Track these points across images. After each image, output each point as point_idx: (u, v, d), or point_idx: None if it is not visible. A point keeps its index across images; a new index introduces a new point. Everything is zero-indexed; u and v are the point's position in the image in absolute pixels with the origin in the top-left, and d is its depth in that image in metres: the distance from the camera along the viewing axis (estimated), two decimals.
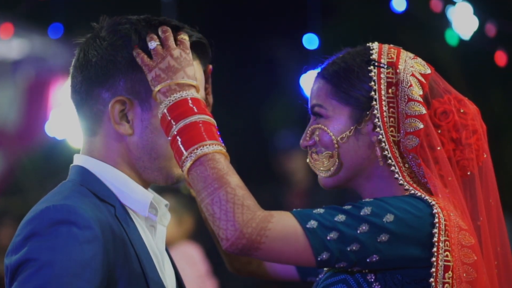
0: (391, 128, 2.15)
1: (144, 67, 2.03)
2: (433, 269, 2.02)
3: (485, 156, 2.23)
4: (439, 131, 2.17)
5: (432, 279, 2.02)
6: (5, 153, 7.14)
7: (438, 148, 2.15)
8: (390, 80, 2.17)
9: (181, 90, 2.01)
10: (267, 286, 6.00)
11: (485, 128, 2.24)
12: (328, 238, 1.98)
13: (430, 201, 2.06)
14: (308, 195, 6.52)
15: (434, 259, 2.02)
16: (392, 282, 2.03)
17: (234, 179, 1.96)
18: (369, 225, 1.99)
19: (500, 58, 6.08)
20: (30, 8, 6.40)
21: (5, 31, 6.46)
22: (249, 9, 7.03)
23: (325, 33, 6.19)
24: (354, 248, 1.98)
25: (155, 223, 2.13)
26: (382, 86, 2.16)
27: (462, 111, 2.20)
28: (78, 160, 2.11)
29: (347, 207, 2.03)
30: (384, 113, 2.15)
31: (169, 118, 2.00)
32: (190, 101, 2.01)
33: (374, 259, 2.00)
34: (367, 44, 2.24)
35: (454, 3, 5.87)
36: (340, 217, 2.00)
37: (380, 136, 2.14)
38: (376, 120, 2.14)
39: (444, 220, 2.03)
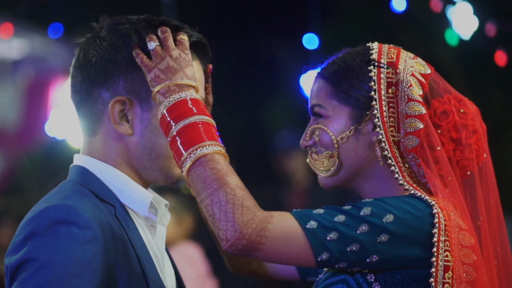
0: (391, 128, 2.15)
1: (144, 67, 2.03)
2: (433, 269, 2.02)
3: (485, 156, 2.23)
4: (439, 131, 2.17)
5: (432, 279, 2.02)
6: (5, 153, 7.14)
7: (438, 148, 2.15)
8: (390, 80, 2.17)
9: (180, 91, 2.01)
10: (267, 286, 6.00)
11: (485, 128, 2.24)
12: (328, 238, 1.98)
13: (430, 201, 2.06)
14: (308, 195, 6.52)
15: (434, 259, 2.02)
16: (392, 282, 2.03)
17: (233, 180, 1.96)
18: (369, 225, 1.99)
19: (500, 58, 6.08)
20: (30, 8, 6.40)
21: (5, 31, 6.46)
22: (249, 9, 7.03)
23: (325, 33, 6.19)
24: (354, 248, 1.98)
25: (155, 223, 2.13)
26: (382, 86, 2.16)
27: (462, 111, 2.20)
28: (78, 160, 2.11)
29: (346, 207, 2.03)
30: (384, 113, 2.15)
31: (169, 119, 2.00)
32: (189, 102, 2.01)
33: (374, 259, 2.00)
34: (367, 44, 2.24)
35: (454, 3, 5.88)
36: (340, 218, 2.00)
37: (380, 136, 2.14)
38: (376, 120, 2.14)
39: (444, 220, 2.03)
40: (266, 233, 1.95)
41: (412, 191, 2.10)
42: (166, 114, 2.00)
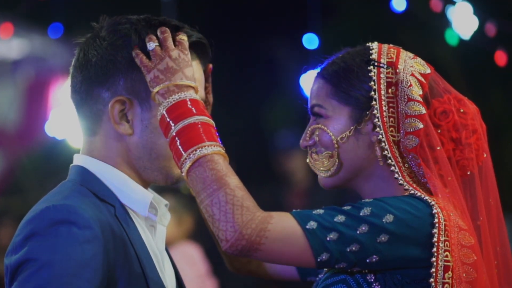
0: (391, 128, 2.15)
1: (143, 68, 2.03)
2: (433, 269, 2.02)
3: (485, 155, 2.23)
4: (439, 131, 2.17)
5: (432, 279, 2.02)
6: (5, 153, 7.14)
7: (438, 148, 2.15)
8: (389, 80, 2.17)
9: (179, 92, 2.01)
10: (267, 286, 6.00)
11: (484, 127, 2.24)
12: (328, 239, 1.98)
13: (429, 201, 2.06)
14: (308, 195, 6.52)
15: (434, 259, 2.02)
16: (392, 282, 2.03)
17: (233, 180, 1.96)
18: (369, 225, 1.99)
19: (500, 58, 6.08)
20: (30, 8, 6.40)
21: (5, 31, 6.46)
22: (249, 9, 7.03)
23: (325, 33, 6.19)
24: (353, 248, 1.98)
25: (155, 223, 2.13)
26: (381, 86, 2.16)
27: (462, 110, 2.19)
28: (78, 160, 2.11)
29: (346, 207, 2.03)
30: (384, 113, 2.15)
31: (168, 120, 2.00)
32: (189, 102, 2.01)
33: (373, 259, 2.00)
34: (367, 44, 2.24)
35: (454, 3, 5.87)
36: (340, 218, 2.00)
37: (380, 136, 2.14)
38: (376, 120, 2.14)
39: (444, 220, 2.03)
40: (265, 233, 1.95)
41: (412, 191, 2.10)
42: (166, 115, 2.00)
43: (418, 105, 2.14)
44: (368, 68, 2.18)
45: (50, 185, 2.20)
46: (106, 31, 2.09)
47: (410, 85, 2.15)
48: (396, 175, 2.14)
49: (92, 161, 2.09)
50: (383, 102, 2.15)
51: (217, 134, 2.03)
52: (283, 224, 1.97)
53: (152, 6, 6.22)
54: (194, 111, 2.00)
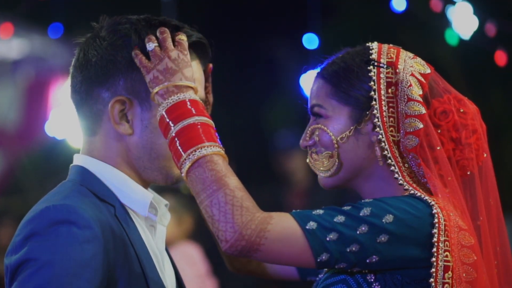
0: (391, 128, 2.15)
1: (142, 68, 2.03)
2: (433, 269, 2.02)
3: (485, 155, 2.22)
4: (439, 131, 2.17)
5: (432, 279, 2.02)
6: (5, 153, 7.14)
7: (438, 148, 2.15)
8: (389, 80, 2.17)
9: (179, 92, 2.01)
10: (267, 286, 6.00)
11: (484, 127, 2.24)
12: (328, 239, 1.98)
13: (429, 201, 2.06)
14: (308, 195, 6.52)
15: (433, 259, 2.02)
16: (392, 282, 2.03)
17: (232, 181, 1.96)
18: (369, 225, 1.99)
19: (500, 58, 6.08)
20: (30, 8, 6.40)
21: (5, 31, 6.46)
22: (249, 9, 7.03)
23: (325, 33, 6.19)
24: (353, 249, 1.98)
25: (155, 223, 2.13)
26: (381, 86, 2.16)
27: (461, 110, 2.19)
28: (78, 160, 2.11)
29: (346, 208, 2.03)
30: (384, 113, 2.15)
31: (168, 120, 2.00)
32: (188, 103, 2.01)
33: (373, 259, 2.00)
34: (367, 44, 2.24)
35: (454, 3, 5.87)
36: (340, 218, 2.00)
37: (380, 136, 2.14)
38: (376, 120, 2.14)
39: (444, 220, 2.03)
40: (265, 234, 1.95)
41: (412, 191, 2.10)
42: (165, 115, 2.00)
43: (418, 105, 2.14)
44: (368, 68, 2.18)
45: (50, 185, 2.19)
46: (106, 31, 2.09)
47: (410, 85, 2.15)
48: (396, 175, 2.14)
49: (92, 161, 2.09)
50: (383, 102, 2.15)
51: (216, 134, 2.03)
52: (283, 225, 1.97)
53: (152, 6, 6.22)
54: (194, 112, 2.00)
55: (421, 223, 2.02)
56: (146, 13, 2.15)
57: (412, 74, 2.17)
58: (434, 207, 2.04)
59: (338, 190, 2.35)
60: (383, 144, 2.14)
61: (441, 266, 2.02)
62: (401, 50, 2.23)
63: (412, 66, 2.18)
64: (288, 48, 7.02)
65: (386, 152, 2.14)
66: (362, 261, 2.00)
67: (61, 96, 6.31)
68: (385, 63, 2.18)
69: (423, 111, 2.14)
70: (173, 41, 2.07)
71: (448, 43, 6.16)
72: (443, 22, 5.97)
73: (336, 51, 2.27)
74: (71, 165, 2.12)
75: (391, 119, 2.15)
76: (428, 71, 2.20)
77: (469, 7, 5.86)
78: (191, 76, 2.05)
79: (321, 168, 2.20)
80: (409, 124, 2.13)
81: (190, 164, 1.97)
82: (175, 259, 2.29)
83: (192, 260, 5.18)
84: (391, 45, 2.24)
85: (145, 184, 2.12)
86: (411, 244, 2.01)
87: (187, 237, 5.33)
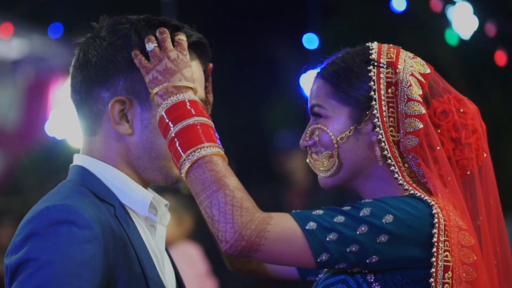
0: (391, 128, 2.15)
1: (142, 69, 2.03)
2: (433, 269, 2.02)
3: (485, 155, 2.22)
4: (439, 131, 2.17)
5: (432, 279, 2.02)
6: (5, 153, 7.14)
7: (438, 147, 2.15)
8: (389, 80, 2.17)
9: (178, 93, 2.01)
10: (267, 286, 6.00)
11: (484, 127, 2.24)
12: (328, 239, 1.98)
13: (429, 201, 2.06)
14: (308, 195, 6.52)
15: (433, 259, 2.02)
16: (392, 282, 2.03)
17: (232, 181, 1.96)
18: (369, 226, 1.99)
19: (500, 58, 6.08)
20: (30, 8, 6.40)
21: (5, 31, 6.46)
22: (249, 9, 7.03)
23: (325, 33, 6.19)
24: (353, 249, 1.98)
25: (155, 223, 2.13)
26: (381, 86, 2.16)
27: (461, 110, 2.19)
28: (78, 160, 2.11)
29: (346, 208, 2.03)
30: (384, 113, 2.15)
31: (167, 121, 2.00)
32: (188, 104, 2.01)
33: (373, 259, 2.00)
34: (367, 44, 2.23)
35: (454, 3, 5.87)
36: (339, 218, 2.00)
37: (380, 136, 2.14)
38: (376, 120, 2.14)
39: (444, 220, 2.03)
40: (265, 234, 1.95)
41: (412, 191, 2.10)
42: (165, 116, 2.00)
43: (418, 105, 2.14)
44: (368, 68, 2.18)
45: (50, 185, 2.20)
46: (106, 31, 2.09)
47: (410, 85, 2.15)
48: (396, 175, 2.14)
49: (92, 161, 2.09)
50: (382, 102, 2.15)
51: (216, 135, 2.02)
52: (283, 225, 1.97)
53: (152, 6, 6.22)
54: (193, 112, 2.00)
55: (421, 223, 2.02)
56: (146, 13, 2.15)
57: (412, 74, 2.17)
58: (434, 207, 2.04)
59: (338, 190, 2.35)
60: (383, 144, 2.14)
61: (441, 266, 2.02)
62: (401, 50, 2.23)
63: (412, 66, 2.18)
64: (288, 48, 7.02)
65: (386, 152, 2.14)
66: (362, 261, 2.00)
67: (61, 96, 6.31)
68: (385, 63, 2.18)
69: (423, 111, 2.14)
70: (173, 41, 2.07)
71: (448, 43, 6.16)
72: (443, 22, 5.97)
73: (336, 51, 2.27)
74: (71, 165, 2.12)
75: (391, 119, 2.15)
76: (428, 71, 2.20)
77: (469, 7, 5.86)
78: (191, 77, 2.04)
79: (321, 168, 2.20)
80: (409, 124, 2.13)
81: (189, 165, 1.97)
82: (175, 259, 2.29)
83: (192, 260, 5.18)
84: (391, 45, 2.24)
85: (145, 184, 2.12)
86: (411, 244, 2.01)
87: (187, 237, 5.33)
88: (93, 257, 1.88)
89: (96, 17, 2.14)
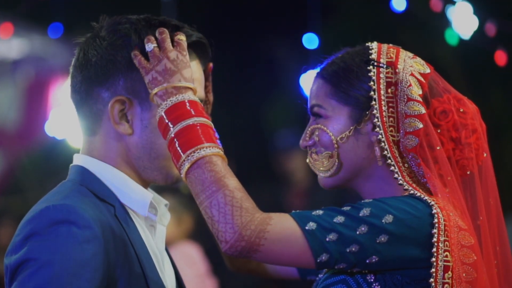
0: (391, 128, 2.15)
1: (141, 69, 2.03)
2: (433, 269, 2.02)
3: (484, 155, 2.22)
4: (439, 131, 2.17)
5: (432, 279, 2.02)
6: (5, 153, 7.14)
7: (438, 147, 2.15)
8: (389, 79, 2.17)
9: (178, 93, 2.01)
10: (267, 286, 6.00)
11: (484, 127, 2.24)
12: (327, 239, 1.97)
13: (429, 201, 2.06)
14: (308, 195, 6.52)
15: (433, 259, 2.02)
16: (392, 283, 2.03)
17: (232, 182, 1.96)
18: (368, 226, 1.99)
19: (500, 58, 6.07)
20: (30, 8, 6.40)
21: (5, 30, 6.46)
22: (249, 9, 7.03)
23: (325, 33, 6.18)
24: (353, 249, 1.98)
25: (154, 223, 2.13)
26: (381, 86, 2.16)
27: (461, 110, 2.19)
28: (78, 159, 2.11)
29: (346, 208, 2.03)
30: (384, 113, 2.15)
31: (167, 121, 1.99)
32: (187, 104, 2.01)
33: (373, 260, 2.00)
34: (366, 44, 2.24)
35: (454, 3, 5.87)
36: (339, 219, 2.00)
37: (380, 136, 2.14)
38: (376, 120, 2.14)
39: (444, 220, 2.03)
40: (265, 234, 1.95)
41: (412, 191, 2.10)
42: (164, 116, 2.00)
43: (418, 105, 2.14)
44: (368, 68, 2.18)
45: (50, 185, 2.20)
46: (106, 31, 2.09)
47: (410, 85, 2.15)
48: (396, 175, 2.14)
49: (92, 161, 2.09)
50: (382, 102, 2.15)
51: (216, 135, 2.03)
52: (283, 225, 1.97)
53: (152, 6, 6.22)
54: (193, 113, 2.00)
55: (421, 223, 2.02)
56: (146, 13, 2.15)
57: (411, 74, 2.17)
58: (434, 207, 2.04)
59: (338, 190, 2.35)
60: (382, 144, 2.14)
61: (441, 266, 2.02)
62: (401, 50, 2.23)
63: (412, 66, 2.18)
64: (288, 48, 7.02)
65: (386, 152, 2.14)
66: (362, 261, 2.00)
67: (61, 96, 6.31)
68: (384, 63, 2.18)
69: (423, 111, 2.14)
70: (173, 41, 2.06)
71: (448, 43, 6.16)
72: (443, 22, 5.97)
73: (336, 51, 2.27)
74: (71, 165, 2.13)
75: (391, 119, 2.15)
76: (428, 70, 2.20)
77: (469, 7, 5.85)
78: (190, 77, 2.04)
79: (321, 168, 2.20)
80: (409, 124, 2.13)
81: (189, 165, 1.97)
82: (175, 259, 2.29)
83: (192, 260, 5.18)
84: (390, 45, 2.24)
85: (145, 184, 2.12)
86: (411, 244, 2.01)
87: (187, 237, 5.33)
88: (93, 257, 1.88)
89: (96, 17, 2.14)
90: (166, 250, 2.20)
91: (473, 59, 6.52)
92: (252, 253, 1.95)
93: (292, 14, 6.71)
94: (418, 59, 2.22)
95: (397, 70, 2.16)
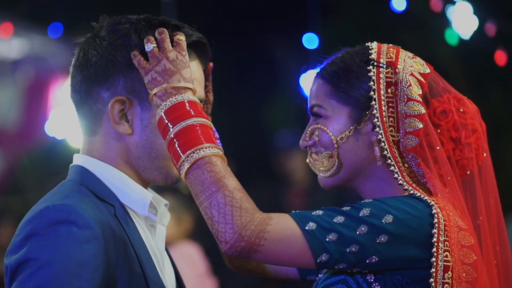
0: (391, 128, 2.15)
1: (141, 70, 2.03)
2: (433, 269, 2.01)
3: (484, 155, 2.22)
4: (439, 131, 2.17)
5: (432, 279, 2.02)
6: (5, 153, 7.14)
7: (438, 147, 2.15)
8: (389, 79, 2.17)
9: (177, 94, 2.01)
10: (267, 286, 6.00)
11: (484, 127, 2.24)
12: (327, 239, 1.97)
13: (429, 201, 2.06)
14: (308, 195, 6.52)
15: (433, 259, 2.01)
16: (392, 283, 2.03)
17: (231, 182, 1.96)
18: (368, 226, 1.99)
19: (500, 57, 6.08)
20: (30, 8, 6.40)
21: (5, 30, 6.46)
22: (249, 9, 7.03)
23: (325, 33, 6.19)
24: (353, 249, 1.98)
25: (154, 223, 2.13)
26: (381, 86, 2.16)
27: (461, 110, 2.19)
28: (78, 159, 2.11)
29: (346, 208, 2.03)
30: (384, 113, 2.15)
31: (166, 121, 1.99)
32: (187, 104, 2.00)
33: (373, 260, 2.00)
34: (366, 44, 2.23)
35: (454, 3, 5.87)
36: (339, 219, 2.00)
37: (380, 136, 2.14)
38: (376, 120, 2.14)
39: (444, 220, 2.03)
40: (265, 234, 1.95)
41: (412, 191, 2.10)
42: (164, 117, 2.00)
43: (418, 104, 2.14)
44: (368, 68, 2.18)
45: (50, 185, 2.20)
46: (106, 31, 2.09)
47: (410, 85, 2.15)
48: (396, 175, 2.14)
49: (92, 160, 2.09)
50: (382, 102, 2.15)
51: (216, 135, 2.02)
52: (282, 225, 1.97)
53: (152, 6, 6.22)
54: (192, 113, 2.00)
55: (421, 223, 2.02)
56: (146, 13, 2.15)
57: (411, 74, 2.17)
58: (434, 207, 2.04)
59: (338, 190, 2.35)
60: (382, 144, 2.14)
61: (441, 266, 2.02)
62: (401, 49, 2.23)
63: (412, 66, 2.18)
64: (288, 48, 7.02)
65: (385, 152, 2.14)
66: (362, 261, 2.00)
67: (61, 96, 6.31)
68: (384, 63, 2.18)
69: (423, 111, 2.14)
70: (173, 41, 2.06)
71: (448, 43, 6.16)
72: (443, 22, 5.97)
73: (336, 51, 2.27)
74: (71, 165, 2.13)
75: (391, 119, 2.15)
76: (428, 70, 2.20)
77: (469, 7, 5.86)
78: (190, 77, 2.04)
79: (321, 168, 2.20)
80: (409, 124, 2.13)
81: (189, 166, 1.97)
82: (175, 259, 2.29)
83: (191, 259, 5.18)
84: (390, 45, 2.24)
85: (145, 184, 2.12)
86: (410, 244, 2.01)
87: (187, 237, 5.34)
88: (93, 257, 1.88)
89: (96, 17, 2.14)
90: (166, 250, 2.20)
91: (473, 59, 6.53)
92: (252, 253, 1.95)
93: (292, 14, 6.71)
94: (418, 59, 2.22)
95: (397, 70, 2.16)
